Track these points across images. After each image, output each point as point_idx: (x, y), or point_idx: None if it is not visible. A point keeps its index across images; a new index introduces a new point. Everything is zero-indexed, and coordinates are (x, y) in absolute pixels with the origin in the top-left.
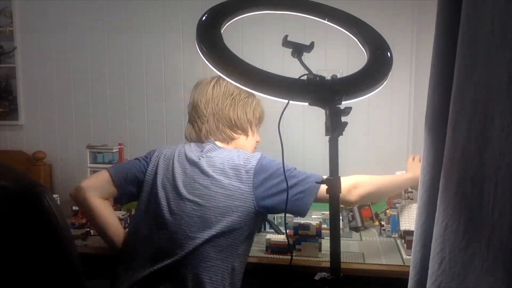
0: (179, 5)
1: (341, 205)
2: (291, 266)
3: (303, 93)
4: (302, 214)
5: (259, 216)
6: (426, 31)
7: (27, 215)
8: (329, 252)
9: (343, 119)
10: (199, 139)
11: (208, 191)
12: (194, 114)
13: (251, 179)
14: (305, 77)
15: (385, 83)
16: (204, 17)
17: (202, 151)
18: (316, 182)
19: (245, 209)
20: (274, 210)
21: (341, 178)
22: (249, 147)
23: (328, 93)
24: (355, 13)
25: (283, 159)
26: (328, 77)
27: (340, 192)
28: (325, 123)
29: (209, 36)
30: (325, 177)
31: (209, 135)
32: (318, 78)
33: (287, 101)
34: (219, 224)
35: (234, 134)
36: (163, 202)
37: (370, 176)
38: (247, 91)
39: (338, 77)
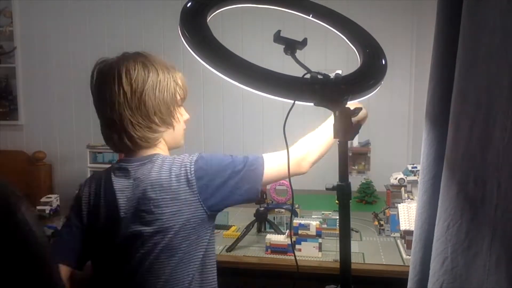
0: (179, 5)
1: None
2: (297, 266)
3: (308, 92)
4: (254, 200)
5: (213, 217)
6: (426, 31)
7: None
8: (328, 252)
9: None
10: (119, 149)
11: (154, 215)
12: (104, 117)
13: (195, 186)
14: (308, 76)
15: (382, 82)
16: (188, 4)
17: (128, 176)
18: (327, 189)
19: (196, 218)
20: (228, 206)
21: (282, 153)
22: (179, 136)
23: (334, 93)
24: (354, 13)
25: (288, 162)
26: (331, 75)
27: (351, 199)
28: (333, 125)
29: (198, 30)
30: (334, 183)
31: (129, 144)
32: (321, 77)
33: (292, 101)
34: (176, 240)
35: (156, 134)
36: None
37: (307, 140)
38: (157, 67)
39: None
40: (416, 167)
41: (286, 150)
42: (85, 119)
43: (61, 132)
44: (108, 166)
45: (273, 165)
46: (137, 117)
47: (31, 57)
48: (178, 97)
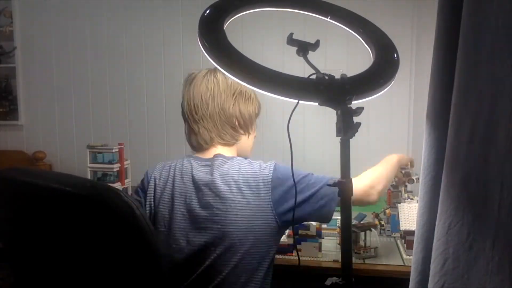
0: (179, 5)
1: (361, 205)
2: (299, 266)
3: (313, 92)
4: (327, 220)
5: (282, 231)
6: (426, 31)
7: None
8: (329, 252)
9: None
10: (201, 145)
11: (227, 215)
12: (194, 115)
13: (270, 194)
14: (314, 76)
15: (392, 83)
16: (206, 12)
17: (210, 166)
18: (328, 185)
19: (267, 226)
20: (299, 222)
21: (353, 180)
22: (250, 145)
23: (338, 93)
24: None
25: (292, 160)
26: (337, 76)
27: (352, 195)
28: (336, 123)
29: (212, 32)
30: (336, 179)
31: (213, 140)
32: (327, 77)
33: (296, 101)
34: (244, 247)
35: (238, 135)
36: (182, 238)
37: (374, 171)
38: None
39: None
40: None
41: (358, 176)
42: (85, 119)
43: (61, 132)
44: (108, 166)
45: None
46: (226, 116)
47: (31, 57)
48: (256, 111)
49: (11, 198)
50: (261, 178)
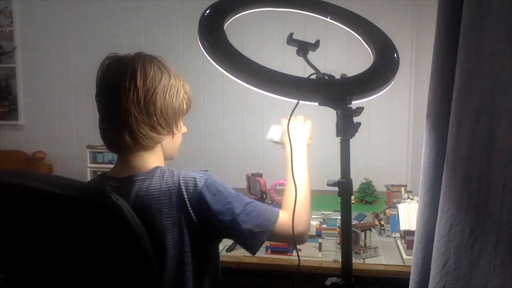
0: (179, 5)
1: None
2: (299, 266)
3: (313, 92)
4: (251, 252)
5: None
6: (426, 31)
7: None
8: (328, 252)
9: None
10: (115, 147)
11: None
12: (105, 110)
13: (194, 218)
14: (314, 76)
15: (392, 83)
16: (206, 13)
17: (122, 187)
18: (328, 185)
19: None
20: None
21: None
22: (177, 145)
23: (338, 93)
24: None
25: (292, 159)
26: (337, 76)
27: (352, 195)
28: (336, 123)
29: (212, 32)
30: (336, 179)
31: (126, 145)
32: (327, 77)
33: (296, 101)
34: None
35: (159, 136)
36: None
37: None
38: (170, 73)
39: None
40: None
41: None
42: (85, 119)
43: (61, 132)
44: (108, 166)
45: (286, 227)
46: (143, 115)
47: (31, 57)
48: (184, 107)
49: (1, 201)
50: (185, 202)
